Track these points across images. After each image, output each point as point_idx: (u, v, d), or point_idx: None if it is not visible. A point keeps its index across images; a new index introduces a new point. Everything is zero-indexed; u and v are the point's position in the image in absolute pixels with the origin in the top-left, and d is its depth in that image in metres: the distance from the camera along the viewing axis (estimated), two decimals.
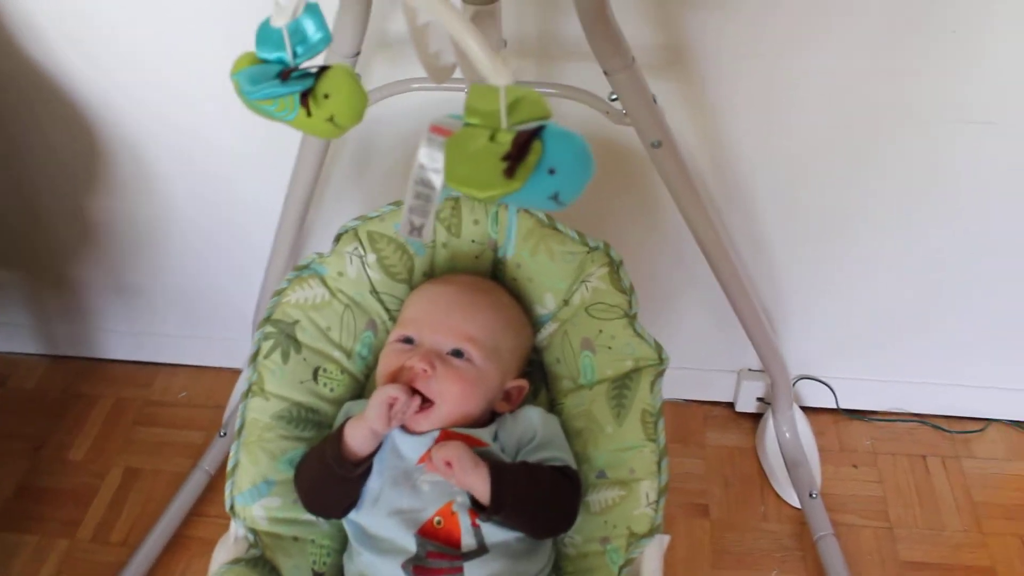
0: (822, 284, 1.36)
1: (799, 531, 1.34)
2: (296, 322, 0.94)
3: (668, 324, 1.42)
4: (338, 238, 0.97)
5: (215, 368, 1.61)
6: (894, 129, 1.16)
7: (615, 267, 0.93)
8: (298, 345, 0.94)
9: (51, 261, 1.52)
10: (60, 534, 1.38)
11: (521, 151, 0.48)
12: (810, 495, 1.33)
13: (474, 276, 0.98)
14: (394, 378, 0.88)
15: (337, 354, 0.96)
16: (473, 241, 0.98)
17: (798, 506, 1.36)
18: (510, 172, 0.48)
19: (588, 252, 0.94)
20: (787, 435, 1.38)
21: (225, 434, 1.43)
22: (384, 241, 0.97)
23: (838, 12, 1.04)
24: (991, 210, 1.24)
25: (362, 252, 0.96)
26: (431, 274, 1.00)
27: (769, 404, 1.43)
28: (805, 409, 1.48)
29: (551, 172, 0.50)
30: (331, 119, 0.59)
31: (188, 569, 1.33)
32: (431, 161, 0.53)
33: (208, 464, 1.41)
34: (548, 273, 0.96)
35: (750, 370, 1.47)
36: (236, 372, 1.55)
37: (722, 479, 1.41)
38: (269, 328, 0.94)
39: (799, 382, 1.47)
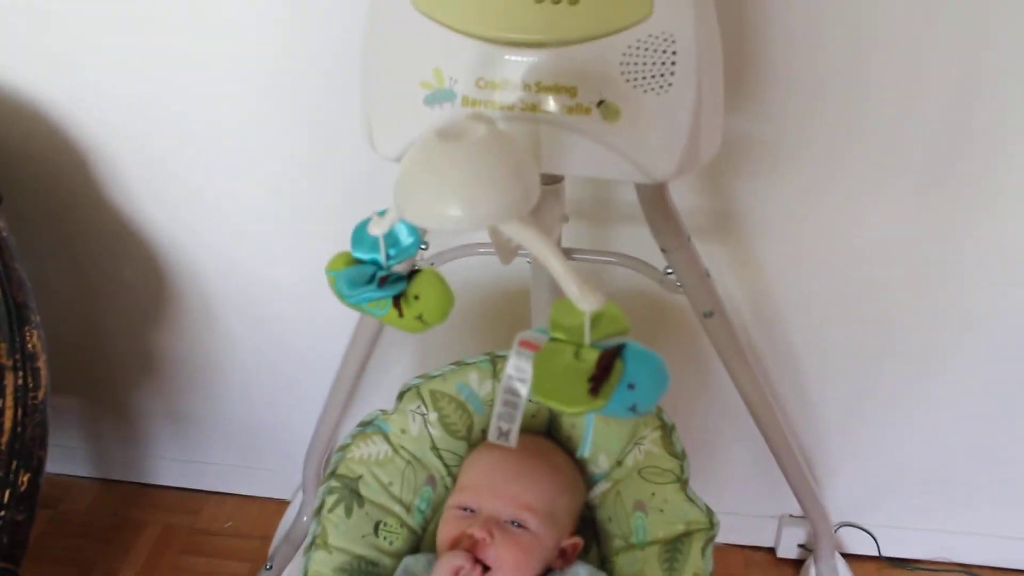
0: (864, 432, 1.38)
1: None
2: (360, 477, 0.98)
3: (710, 468, 1.44)
4: (401, 396, 1.02)
5: (262, 498, 1.64)
6: (935, 287, 1.20)
7: (667, 431, 0.97)
8: (361, 500, 0.97)
9: (111, 389, 1.58)
10: None
11: (605, 371, 0.53)
12: None
13: (530, 437, 1.02)
14: (455, 544, 0.92)
15: (398, 508, 1.00)
16: (530, 400, 1.02)
17: None
18: (595, 391, 0.53)
19: (641, 416, 0.98)
20: None
21: (271, 567, 1.45)
22: (445, 400, 1.01)
23: (881, 177, 1.10)
24: None
25: (424, 410, 1.01)
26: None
27: (811, 551, 1.44)
28: (847, 556, 1.47)
29: (631, 387, 0.54)
30: (419, 317, 0.65)
31: None
32: (518, 372, 0.57)
33: None
34: (602, 435, 1.00)
35: (791, 516, 1.48)
36: (282, 503, 1.58)
37: None
38: (334, 483, 0.97)
39: (841, 529, 1.47)
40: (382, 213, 0.65)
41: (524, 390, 0.58)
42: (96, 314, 1.46)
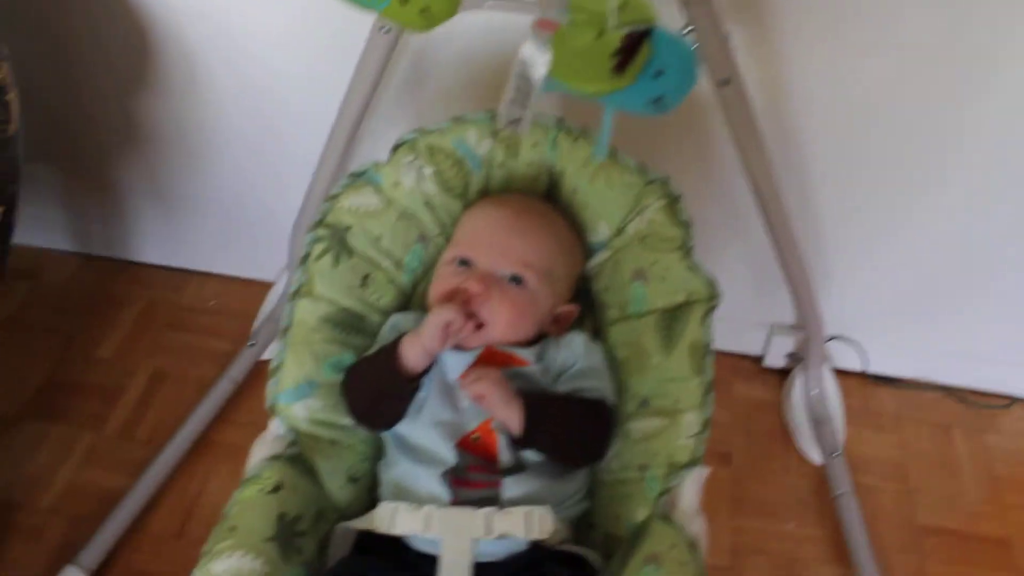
0: (864, 247, 1.36)
1: (818, 487, 1.34)
2: (349, 228, 0.94)
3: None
4: (396, 148, 0.97)
5: (246, 279, 1.61)
6: (953, 96, 1.14)
7: (673, 201, 0.93)
8: (349, 251, 0.94)
9: (92, 159, 1.52)
10: (86, 427, 1.39)
11: (632, 49, 0.48)
12: (832, 453, 1.33)
13: (531, 198, 0.97)
14: (448, 299, 0.88)
15: (387, 263, 0.96)
16: (530, 164, 0.98)
17: (819, 463, 1.36)
18: (620, 68, 0.48)
19: (647, 184, 0.94)
20: (814, 392, 1.38)
21: (254, 344, 1.44)
22: (442, 155, 0.96)
23: None
24: None
25: (420, 164, 0.96)
26: (486, 193, 0.99)
27: (799, 360, 1.43)
28: (833, 371, 1.47)
29: (658, 75, 0.49)
30: (425, 10, 0.58)
31: (212, 471, 1.34)
32: (533, 56, 0.52)
33: (235, 372, 1.42)
34: (604, 201, 0.95)
35: (782, 326, 1.46)
36: (266, 285, 1.55)
37: (745, 431, 1.41)
38: (321, 231, 0.93)
39: (830, 342, 1.46)
40: None
41: (538, 74, 0.52)
42: (75, 78, 1.38)
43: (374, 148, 1.25)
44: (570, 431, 0.87)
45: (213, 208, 1.53)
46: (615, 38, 0.49)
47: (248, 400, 1.43)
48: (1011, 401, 1.49)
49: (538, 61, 0.51)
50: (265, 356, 1.46)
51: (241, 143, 1.41)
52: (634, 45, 0.48)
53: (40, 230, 1.64)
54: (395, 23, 0.60)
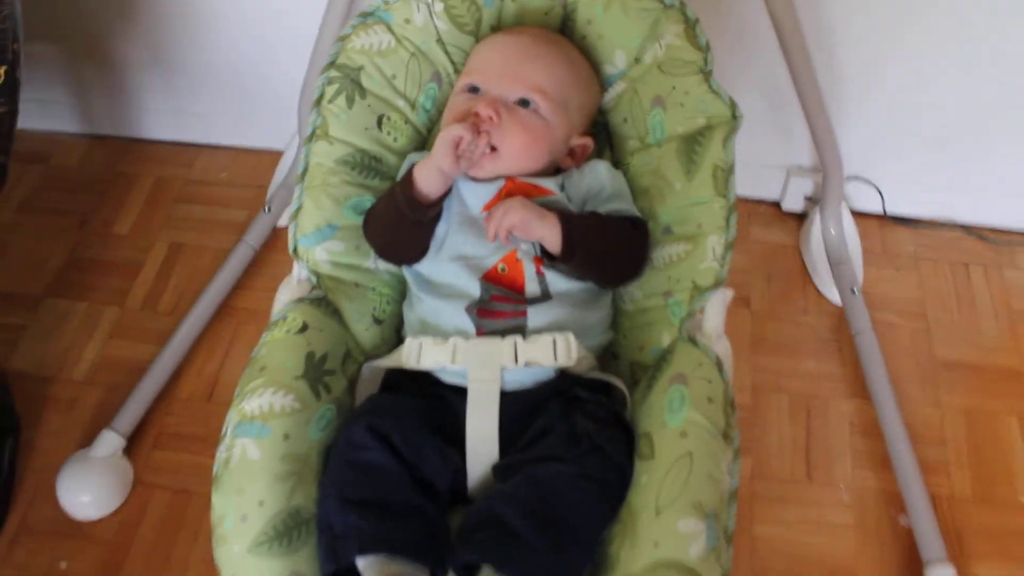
0: (881, 84, 1.33)
1: (837, 325, 1.35)
2: (361, 68, 0.92)
3: None
4: None
5: (256, 150, 1.59)
6: None
7: (691, 24, 0.91)
8: (363, 91, 0.92)
9: (92, 33, 1.49)
10: (110, 302, 1.40)
11: None
12: (851, 291, 1.34)
13: (544, 29, 0.95)
14: (458, 121, 0.87)
15: (401, 103, 0.95)
16: None
17: (838, 303, 1.37)
18: None
19: (664, 9, 0.91)
20: (832, 232, 1.38)
21: (270, 210, 1.43)
22: None
23: None
24: None
25: (429, 1, 0.93)
26: (498, 28, 0.97)
27: (817, 202, 1.42)
28: (851, 212, 1.46)
29: None
30: None
31: (236, 336, 1.36)
32: None
33: (252, 239, 1.42)
34: (621, 30, 0.93)
35: (800, 167, 1.45)
36: (277, 154, 1.54)
37: (764, 274, 1.41)
38: (333, 73, 0.92)
39: (848, 184, 1.45)
40: None
41: None
42: None
43: None
44: (609, 243, 0.86)
45: (217, 78, 1.51)
46: None
47: (267, 267, 1.43)
48: None
49: None
50: (281, 223, 1.45)
51: (242, 8, 1.37)
52: None
53: (47, 114, 1.62)
54: None
